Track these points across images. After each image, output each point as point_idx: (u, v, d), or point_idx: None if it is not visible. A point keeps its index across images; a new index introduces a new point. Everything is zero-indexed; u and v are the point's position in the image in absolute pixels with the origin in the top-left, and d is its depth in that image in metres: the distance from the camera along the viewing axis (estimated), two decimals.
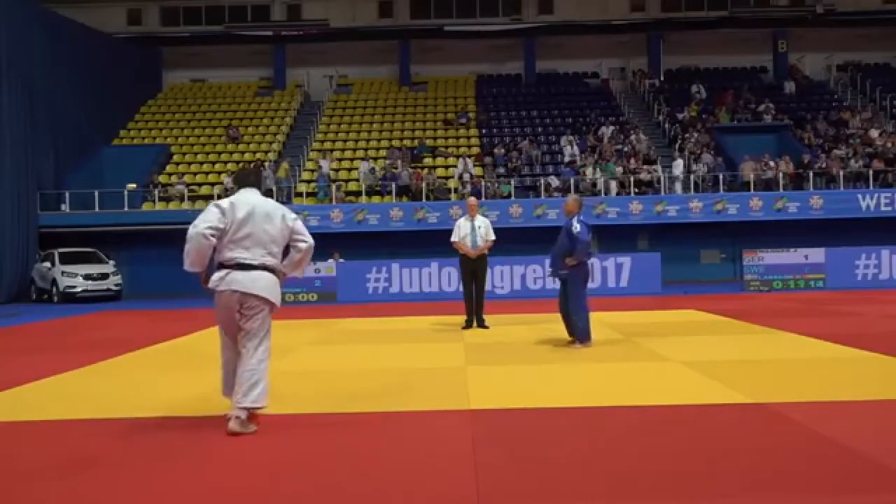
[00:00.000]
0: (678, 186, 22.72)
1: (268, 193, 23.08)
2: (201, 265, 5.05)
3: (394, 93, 31.16)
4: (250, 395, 4.93)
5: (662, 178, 22.98)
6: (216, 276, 5.09)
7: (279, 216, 5.17)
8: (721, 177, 23.15)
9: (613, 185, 22.78)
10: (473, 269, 11.02)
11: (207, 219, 5.00)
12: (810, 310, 13.16)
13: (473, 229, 10.92)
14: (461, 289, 11.52)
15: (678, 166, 23.01)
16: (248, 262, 5.03)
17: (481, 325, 11.13)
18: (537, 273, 18.85)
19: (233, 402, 5.00)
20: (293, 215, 5.30)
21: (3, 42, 21.85)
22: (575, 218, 8.79)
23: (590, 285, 9.40)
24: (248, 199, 5.16)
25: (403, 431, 4.99)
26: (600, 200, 21.79)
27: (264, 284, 5.05)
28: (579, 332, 8.82)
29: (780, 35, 31.50)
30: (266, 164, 24.91)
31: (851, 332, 9.59)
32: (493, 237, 11.04)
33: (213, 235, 4.97)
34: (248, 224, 5.05)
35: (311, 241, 5.29)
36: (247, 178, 5.39)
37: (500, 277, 18.69)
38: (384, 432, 4.97)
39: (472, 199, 11.54)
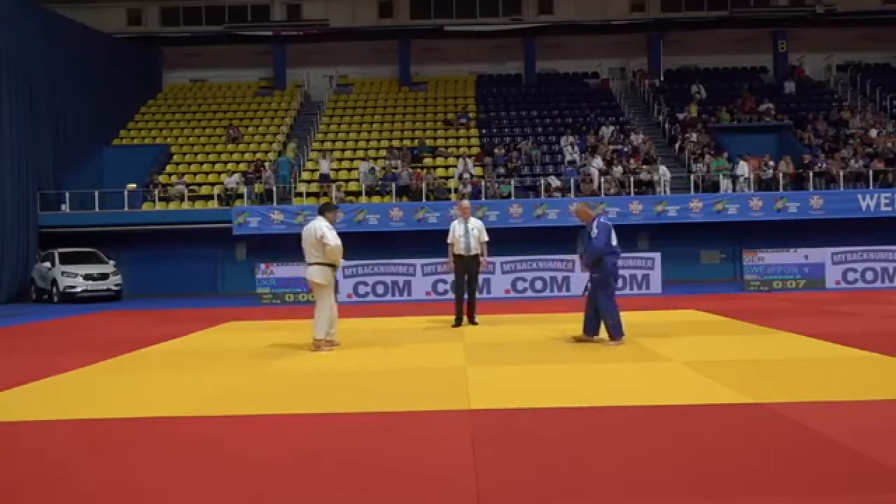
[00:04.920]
0: (665, 188, 22.70)
1: (269, 193, 23.24)
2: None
3: (394, 93, 31.15)
4: (332, 329, 9.12)
5: (662, 180, 22.97)
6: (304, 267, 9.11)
7: (316, 232, 8.78)
8: (721, 176, 23.15)
9: (727, 181, 22.66)
10: (466, 269, 11.35)
11: None
12: (810, 310, 13.15)
13: (467, 231, 11.29)
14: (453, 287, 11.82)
15: (665, 173, 22.98)
16: (308, 261, 8.95)
17: (472, 321, 11.49)
18: (537, 273, 18.86)
19: (323, 334, 8.99)
20: (321, 232, 8.72)
21: (3, 42, 21.85)
22: (595, 221, 8.88)
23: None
24: (312, 223, 8.96)
25: (403, 431, 4.99)
26: (600, 200, 21.78)
27: (314, 273, 8.91)
28: (610, 329, 8.96)
29: (780, 35, 31.51)
30: (266, 164, 24.94)
31: (851, 332, 9.59)
32: (486, 238, 11.48)
33: (303, 248, 9.05)
34: (305, 239, 8.98)
35: (330, 243, 8.73)
36: (321, 208, 9.21)
37: (500, 277, 18.70)
38: (384, 432, 4.97)
39: (465, 202, 11.95)
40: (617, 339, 8.88)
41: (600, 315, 9.05)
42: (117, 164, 25.39)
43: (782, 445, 4.46)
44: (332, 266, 8.95)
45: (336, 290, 9.42)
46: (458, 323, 11.42)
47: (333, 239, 8.76)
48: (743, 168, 23.09)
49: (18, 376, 7.45)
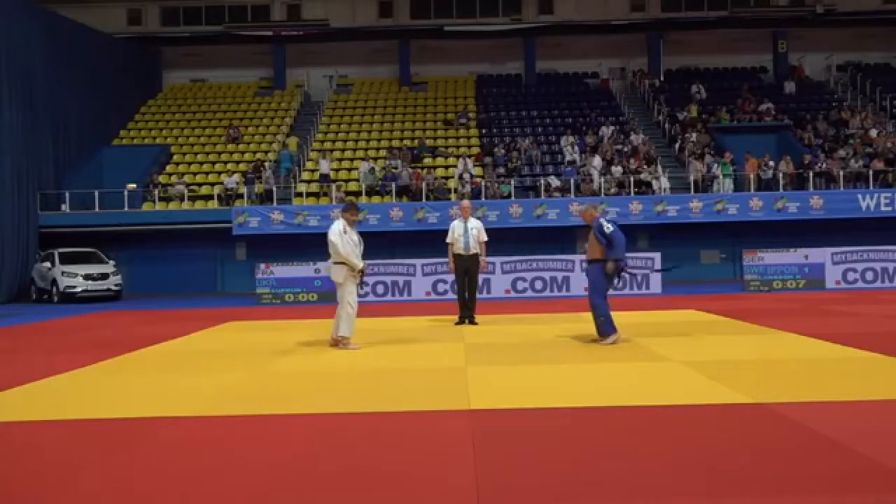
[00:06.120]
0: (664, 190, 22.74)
1: (269, 193, 23.24)
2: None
3: (394, 93, 31.16)
4: (340, 329, 9.17)
5: (662, 181, 22.97)
6: None
7: (328, 234, 9.03)
8: (721, 176, 23.15)
9: (729, 182, 22.65)
10: (466, 268, 11.50)
11: None
12: (810, 310, 13.15)
13: (466, 231, 11.45)
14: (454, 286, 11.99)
15: (663, 179, 22.97)
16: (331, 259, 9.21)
17: (471, 321, 11.55)
18: (537, 273, 18.86)
19: (347, 332, 9.16)
20: (330, 237, 8.95)
21: (3, 42, 21.85)
22: (601, 218, 8.87)
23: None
24: (333, 224, 9.15)
25: (403, 431, 4.99)
26: (600, 200, 21.78)
27: (331, 270, 9.19)
28: (599, 327, 8.95)
29: (780, 35, 31.52)
30: (266, 164, 24.94)
31: (851, 332, 9.58)
32: (485, 238, 11.63)
33: None
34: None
35: (339, 251, 8.94)
36: (342, 209, 9.32)
37: (500, 277, 18.70)
38: (384, 432, 4.97)
39: (466, 202, 12.15)
40: (612, 335, 8.87)
41: (592, 311, 9.05)
42: (117, 164, 25.41)
43: (782, 445, 4.46)
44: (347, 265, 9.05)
45: (359, 290, 9.41)
46: (461, 321, 11.56)
47: (342, 246, 8.90)
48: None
49: (18, 376, 7.44)
